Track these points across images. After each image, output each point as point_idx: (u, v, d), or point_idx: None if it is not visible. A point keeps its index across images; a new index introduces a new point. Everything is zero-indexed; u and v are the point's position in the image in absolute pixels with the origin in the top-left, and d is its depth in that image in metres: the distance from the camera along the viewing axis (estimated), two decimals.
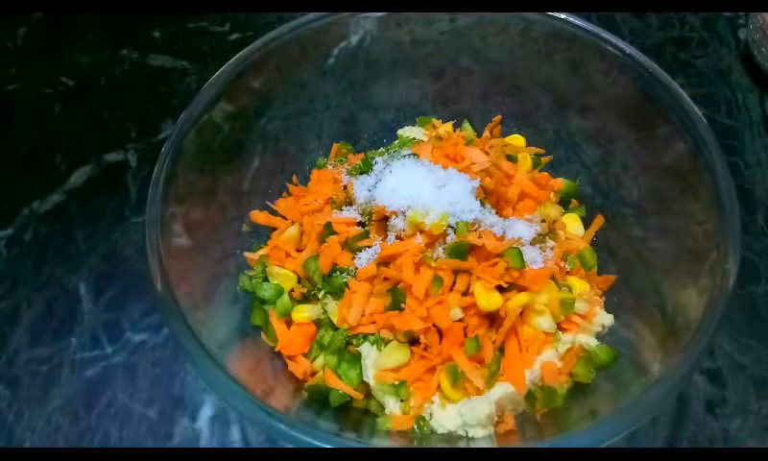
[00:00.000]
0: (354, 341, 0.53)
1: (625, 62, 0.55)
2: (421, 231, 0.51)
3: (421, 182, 0.52)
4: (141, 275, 0.66)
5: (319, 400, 0.51)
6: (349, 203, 0.58)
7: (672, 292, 0.49)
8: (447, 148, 0.59)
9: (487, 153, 0.59)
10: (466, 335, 0.50)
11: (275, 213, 0.61)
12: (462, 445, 0.47)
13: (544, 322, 0.51)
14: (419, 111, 0.68)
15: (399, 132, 0.68)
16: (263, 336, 0.54)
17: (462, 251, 0.50)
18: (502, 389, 0.48)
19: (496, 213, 0.54)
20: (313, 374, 0.53)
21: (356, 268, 0.53)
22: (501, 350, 0.50)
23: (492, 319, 0.51)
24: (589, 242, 0.60)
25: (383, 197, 0.53)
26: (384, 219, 0.54)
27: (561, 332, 0.52)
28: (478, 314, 0.50)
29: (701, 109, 0.51)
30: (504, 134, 0.67)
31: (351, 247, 0.54)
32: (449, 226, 0.50)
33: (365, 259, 0.53)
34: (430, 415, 0.50)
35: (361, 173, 0.59)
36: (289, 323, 0.55)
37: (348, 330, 0.52)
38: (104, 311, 0.66)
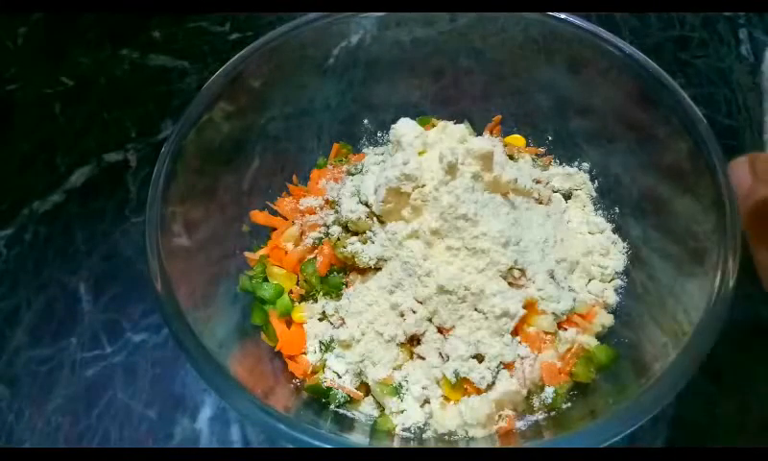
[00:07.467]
0: None
1: (625, 62, 0.55)
2: None
3: None
4: (141, 275, 0.66)
5: (319, 400, 0.51)
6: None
7: (672, 292, 0.49)
8: None
9: None
10: None
11: (275, 213, 0.61)
12: (462, 445, 0.47)
13: (544, 322, 0.51)
14: (419, 111, 0.68)
15: None
16: (263, 336, 0.54)
17: None
18: (502, 389, 0.49)
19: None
20: (313, 373, 0.53)
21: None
22: None
23: None
24: None
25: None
26: None
27: (561, 332, 0.52)
28: None
29: (701, 109, 0.50)
30: (504, 134, 0.67)
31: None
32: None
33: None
34: (430, 415, 0.50)
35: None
36: (289, 323, 0.55)
37: None
38: (104, 311, 0.65)
